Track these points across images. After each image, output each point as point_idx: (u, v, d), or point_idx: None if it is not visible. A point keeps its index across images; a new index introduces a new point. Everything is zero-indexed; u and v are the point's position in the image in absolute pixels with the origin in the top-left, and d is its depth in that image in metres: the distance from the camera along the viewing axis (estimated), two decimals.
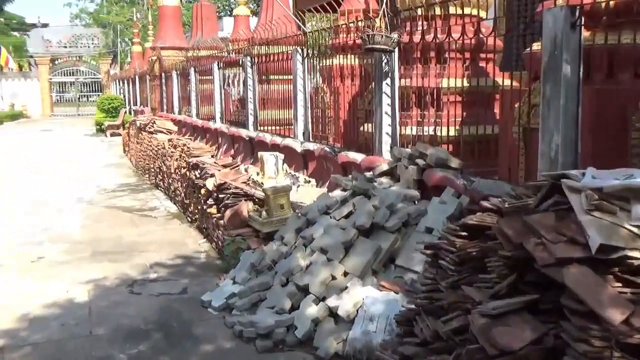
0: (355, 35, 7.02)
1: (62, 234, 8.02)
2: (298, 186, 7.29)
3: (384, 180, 5.62)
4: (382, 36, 5.68)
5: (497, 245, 2.91)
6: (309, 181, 7.56)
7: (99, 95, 37.59)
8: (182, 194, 9.17)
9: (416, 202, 5.18)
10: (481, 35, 5.32)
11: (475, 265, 3.07)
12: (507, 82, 5.68)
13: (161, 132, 13.31)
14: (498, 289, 2.79)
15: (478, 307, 2.78)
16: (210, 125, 12.23)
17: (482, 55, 6.49)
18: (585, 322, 2.41)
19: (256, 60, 9.91)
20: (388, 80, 6.04)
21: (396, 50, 5.89)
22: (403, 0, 6.51)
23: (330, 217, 5.36)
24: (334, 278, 4.65)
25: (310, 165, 8.00)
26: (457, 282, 3.10)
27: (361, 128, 7.08)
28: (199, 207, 7.93)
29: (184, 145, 10.20)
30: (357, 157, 6.49)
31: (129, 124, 17.42)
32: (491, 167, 5.38)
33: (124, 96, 30.28)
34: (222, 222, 6.76)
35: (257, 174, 7.75)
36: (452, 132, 5.80)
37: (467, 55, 6.27)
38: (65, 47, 45.42)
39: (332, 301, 4.47)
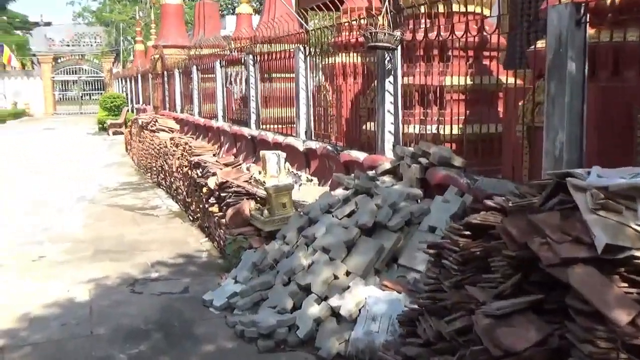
0: (358, 33, 6.99)
1: (64, 233, 8.00)
2: (300, 185, 7.26)
3: (387, 179, 5.59)
4: (385, 34, 5.64)
5: (501, 245, 2.87)
6: (311, 180, 7.53)
7: (101, 93, 37.62)
8: (184, 193, 9.15)
9: (419, 201, 5.15)
10: (485, 33, 5.29)
11: (478, 264, 3.03)
12: (511, 80, 5.64)
13: (163, 130, 13.29)
14: (502, 289, 2.76)
15: (482, 308, 2.74)
16: (213, 124, 12.21)
17: (486, 53, 6.45)
18: (591, 322, 2.37)
19: (258, 59, 9.88)
20: (391, 79, 6.01)
21: (399, 48, 5.86)
22: None
23: (333, 216, 5.33)
24: (336, 277, 4.62)
25: (313, 164, 7.97)
26: (460, 282, 3.06)
27: (363, 126, 7.05)
28: (201, 206, 7.91)
29: (186, 143, 10.18)
30: (360, 155, 6.46)
31: (131, 122, 17.41)
32: (495, 166, 5.34)
33: (127, 95, 30.29)
34: (223, 220, 6.74)
35: (259, 172, 7.72)
36: (455, 131, 5.77)
37: (471, 53, 6.23)
38: (68, 45, 45.47)
39: (334, 301, 4.43)
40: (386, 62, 5.99)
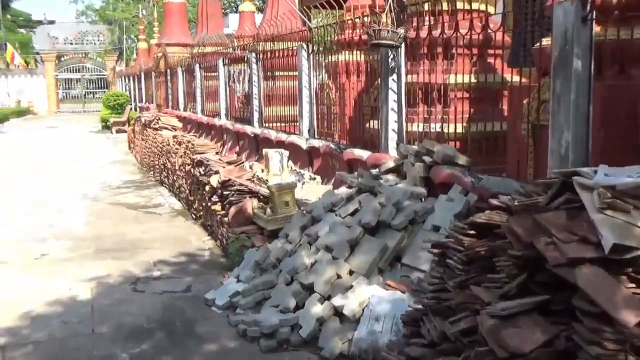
0: (361, 30, 6.95)
1: (66, 231, 7.99)
2: (303, 183, 7.23)
3: (390, 177, 5.56)
4: (389, 31, 5.61)
5: (506, 244, 2.83)
6: (314, 178, 7.50)
7: (104, 92, 37.68)
8: (187, 191, 9.13)
9: (423, 199, 5.12)
10: (489, 31, 5.24)
11: (483, 264, 2.99)
12: (515, 78, 5.60)
13: (166, 128, 13.29)
14: (507, 289, 2.72)
15: (487, 308, 2.71)
16: (215, 122, 12.19)
17: (490, 51, 6.40)
18: (598, 324, 2.33)
19: (261, 57, 9.85)
20: (394, 76, 5.97)
21: (403, 45, 5.82)
22: None
23: (336, 215, 5.30)
24: (339, 277, 4.59)
25: (316, 162, 7.93)
26: (465, 282, 3.02)
27: (367, 125, 7.01)
28: (204, 204, 7.89)
29: (189, 142, 10.17)
30: (363, 154, 6.43)
31: (134, 120, 17.41)
32: (499, 165, 5.30)
33: (130, 93, 30.29)
34: (226, 219, 6.71)
35: (262, 171, 7.70)
36: (459, 129, 5.73)
37: (475, 50, 6.18)
38: (72, 43, 45.57)
39: (337, 300, 4.40)
40: (390, 60, 5.95)
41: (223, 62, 11.85)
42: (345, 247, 4.75)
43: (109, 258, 6.68)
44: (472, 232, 3.14)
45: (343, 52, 7.65)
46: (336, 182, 6.77)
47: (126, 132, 20.13)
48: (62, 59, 43.27)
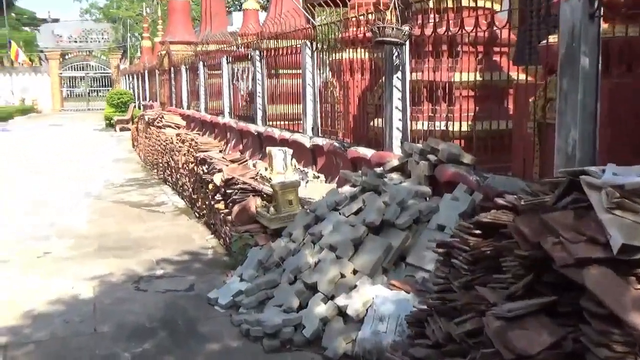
0: (366, 28, 6.90)
1: (69, 229, 7.97)
2: (307, 182, 7.19)
3: (395, 176, 5.52)
4: (393, 29, 5.56)
5: (512, 244, 2.79)
6: (318, 177, 7.47)
7: (108, 90, 37.66)
8: (190, 189, 9.11)
9: (427, 198, 5.07)
10: (495, 28, 5.20)
11: (489, 264, 2.95)
12: (521, 76, 5.55)
13: (169, 126, 13.26)
14: (514, 290, 2.68)
15: (493, 309, 2.66)
16: (219, 120, 12.17)
17: (496, 49, 6.36)
18: (606, 325, 2.29)
19: (265, 55, 9.82)
20: (399, 74, 5.93)
21: (407, 43, 5.77)
22: None
23: (340, 214, 5.26)
24: (343, 276, 4.56)
25: (319, 161, 7.90)
26: (470, 282, 2.98)
27: (371, 123, 6.98)
28: (207, 203, 7.86)
29: (192, 140, 10.14)
30: (367, 152, 6.39)
31: (137, 118, 17.40)
32: (505, 163, 5.26)
33: (134, 91, 30.33)
34: (229, 217, 6.68)
35: (266, 169, 7.67)
36: (464, 127, 5.69)
37: (480, 48, 6.14)
38: (76, 42, 45.68)
39: (341, 300, 4.37)
40: (394, 57, 5.91)
41: (227, 60, 11.82)
42: (349, 246, 4.71)
43: (111, 256, 6.66)
44: (477, 231, 3.09)
45: (347, 49, 7.61)
46: (340, 180, 6.74)
47: (130, 130, 20.15)
48: (66, 57, 43.32)
